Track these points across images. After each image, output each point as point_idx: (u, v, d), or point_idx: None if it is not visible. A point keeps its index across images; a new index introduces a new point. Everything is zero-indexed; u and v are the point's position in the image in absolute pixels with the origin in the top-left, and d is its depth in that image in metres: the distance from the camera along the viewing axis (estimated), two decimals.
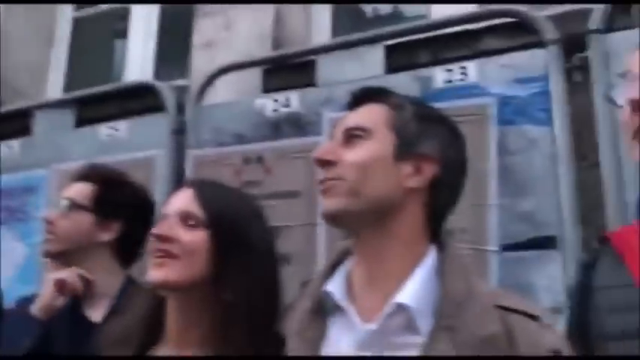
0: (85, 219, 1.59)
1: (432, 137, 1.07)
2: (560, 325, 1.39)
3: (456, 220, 1.64)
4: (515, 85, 1.73)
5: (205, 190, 1.20)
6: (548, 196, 1.64)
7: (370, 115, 1.08)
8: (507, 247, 1.65)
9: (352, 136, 1.06)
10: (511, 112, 1.72)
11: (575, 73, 1.73)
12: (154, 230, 1.14)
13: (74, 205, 1.59)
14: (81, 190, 1.61)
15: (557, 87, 1.70)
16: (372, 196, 1.02)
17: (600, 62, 1.66)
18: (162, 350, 1.15)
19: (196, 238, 1.14)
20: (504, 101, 1.72)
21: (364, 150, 1.04)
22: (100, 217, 1.58)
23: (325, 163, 1.05)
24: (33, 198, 2.59)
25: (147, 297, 1.19)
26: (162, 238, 1.13)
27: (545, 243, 1.62)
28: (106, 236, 1.58)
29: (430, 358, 0.94)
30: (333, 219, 1.06)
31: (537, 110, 1.70)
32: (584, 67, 1.70)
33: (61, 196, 1.63)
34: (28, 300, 1.57)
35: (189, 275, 1.12)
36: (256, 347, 1.10)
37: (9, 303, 1.71)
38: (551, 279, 1.59)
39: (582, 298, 1.14)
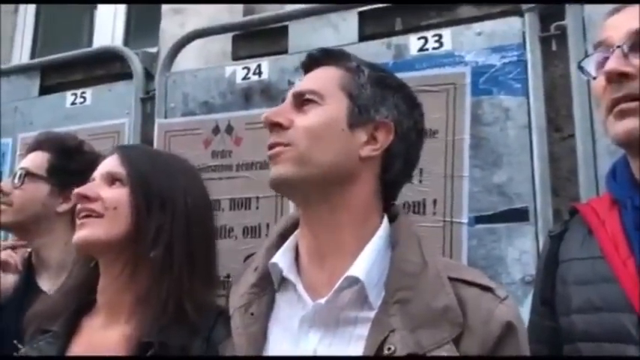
0: (41, 189, 1.54)
1: (388, 104, 1.02)
2: (531, 297, 1.38)
3: (429, 191, 1.64)
4: (491, 53, 1.68)
5: (129, 152, 1.21)
6: (522, 167, 1.61)
7: (324, 78, 1.03)
8: (479, 219, 1.62)
9: (305, 100, 1.01)
10: (486, 81, 1.67)
11: (552, 42, 1.68)
12: (76, 190, 1.13)
13: (29, 175, 1.53)
14: (36, 160, 1.56)
15: (533, 56, 1.65)
16: (322, 164, 0.97)
17: (577, 31, 1.62)
18: (93, 320, 1.13)
19: (117, 194, 1.14)
20: (479, 70, 1.68)
21: (316, 115, 0.99)
22: (55, 187, 1.54)
23: (275, 126, 1.00)
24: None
25: (81, 266, 1.16)
26: (84, 197, 1.13)
27: (517, 215, 1.59)
28: (63, 206, 1.53)
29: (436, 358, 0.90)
30: (281, 186, 1.01)
31: (512, 80, 1.65)
32: (562, 36, 1.66)
33: (17, 166, 1.59)
34: None
35: (112, 233, 1.11)
36: (189, 306, 1.07)
37: None
38: (522, 251, 1.57)
39: (549, 270, 1.12)
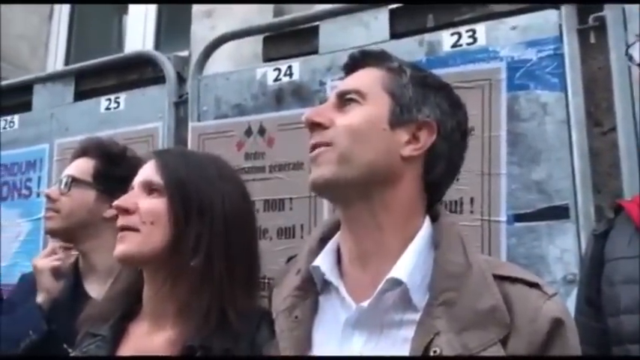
0: (87, 195, 1.55)
1: (430, 104, 1.00)
2: (573, 296, 1.36)
3: (466, 189, 1.62)
4: (526, 48, 1.65)
5: (166, 158, 1.18)
6: (561, 164, 1.57)
7: (366, 78, 1.01)
8: (518, 218, 1.59)
9: (346, 100, 0.99)
10: (522, 76, 1.64)
11: (591, 34, 1.64)
12: (115, 203, 1.13)
13: (75, 181, 1.55)
14: (82, 166, 1.58)
15: (570, 49, 1.61)
16: (363, 163, 0.95)
17: (617, 22, 1.58)
18: (138, 325, 1.13)
19: (155, 204, 1.12)
20: (515, 65, 1.65)
21: (358, 114, 0.97)
22: (102, 193, 1.55)
23: (316, 126, 0.98)
24: (36, 173, 2.57)
25: (128, 271, 1.17)
26: (123, 210, 1.12)
27: (557, 212, 1.56)
28: (109, 212, 1.54)
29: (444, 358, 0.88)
30: (321, 188, 0.99)
31: (550, 74, 1.62)
32: (600, 28, 1.62)
33: (63, 173, 1.60)
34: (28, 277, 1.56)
35: (150, 246, 1.10)
36: (232, 313, 1.07)
37: (12, 278, 1.70)
38: (564, 250, 1.54)
39: (594, 270, 1.09)
